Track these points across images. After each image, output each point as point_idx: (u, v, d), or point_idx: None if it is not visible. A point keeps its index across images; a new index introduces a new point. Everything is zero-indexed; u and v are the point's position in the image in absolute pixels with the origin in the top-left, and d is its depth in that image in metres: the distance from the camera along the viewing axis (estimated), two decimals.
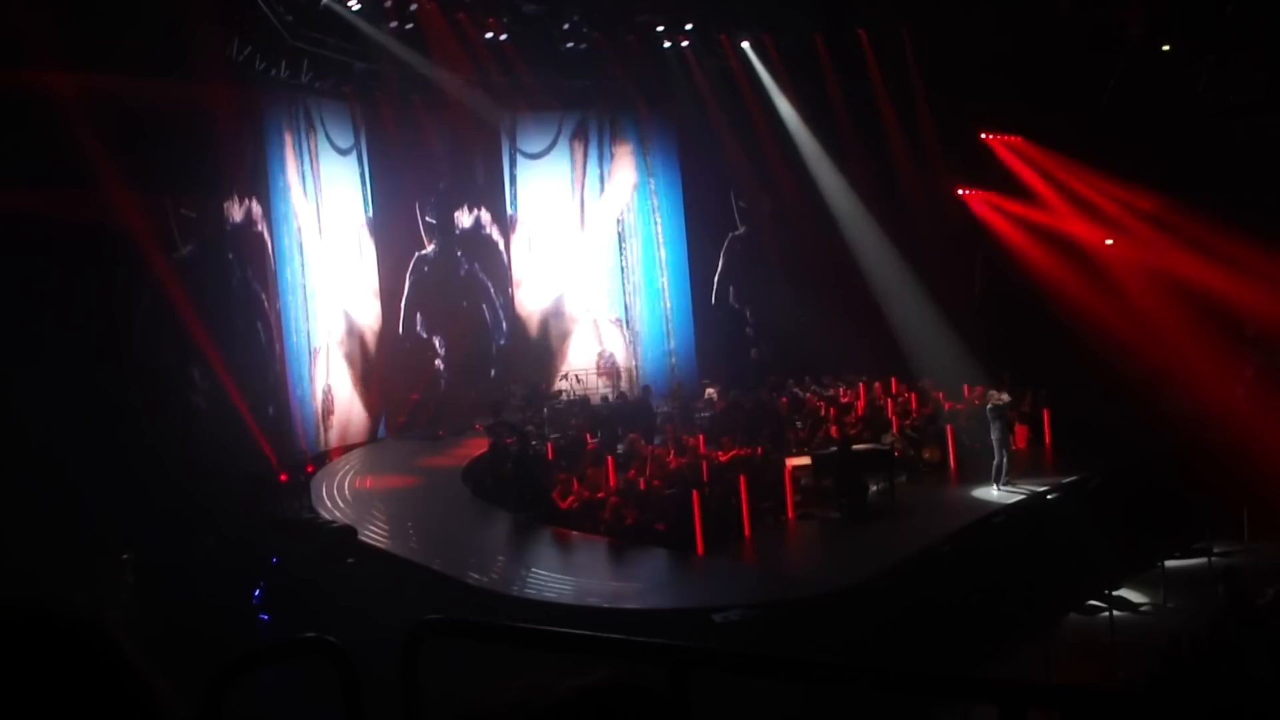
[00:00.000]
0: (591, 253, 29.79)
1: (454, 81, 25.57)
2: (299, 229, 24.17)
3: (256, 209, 22.65)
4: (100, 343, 18.12)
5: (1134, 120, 25.73)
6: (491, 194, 28.63)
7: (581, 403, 25.55)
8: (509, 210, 28.87)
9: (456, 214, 28.12)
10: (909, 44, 27.72)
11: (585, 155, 29.60)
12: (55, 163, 17.21)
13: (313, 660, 2.56)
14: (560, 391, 27.58)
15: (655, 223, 30.42)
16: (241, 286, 22.09)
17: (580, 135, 29.43)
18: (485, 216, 28.47)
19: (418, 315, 27.44)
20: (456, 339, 27.95)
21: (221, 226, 21.81)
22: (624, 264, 30.19)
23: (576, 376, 28.29)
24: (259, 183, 22.86)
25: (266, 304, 22.81)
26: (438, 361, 27.74)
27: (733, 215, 31.05)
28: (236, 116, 21.83)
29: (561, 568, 17.09)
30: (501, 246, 28.72)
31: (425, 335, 27.63)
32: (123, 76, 18.13)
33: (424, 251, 27.57)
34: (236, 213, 22.08)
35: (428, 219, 27.63)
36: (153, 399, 19.24)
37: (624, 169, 30.05)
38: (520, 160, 28.97)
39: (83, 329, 17.73)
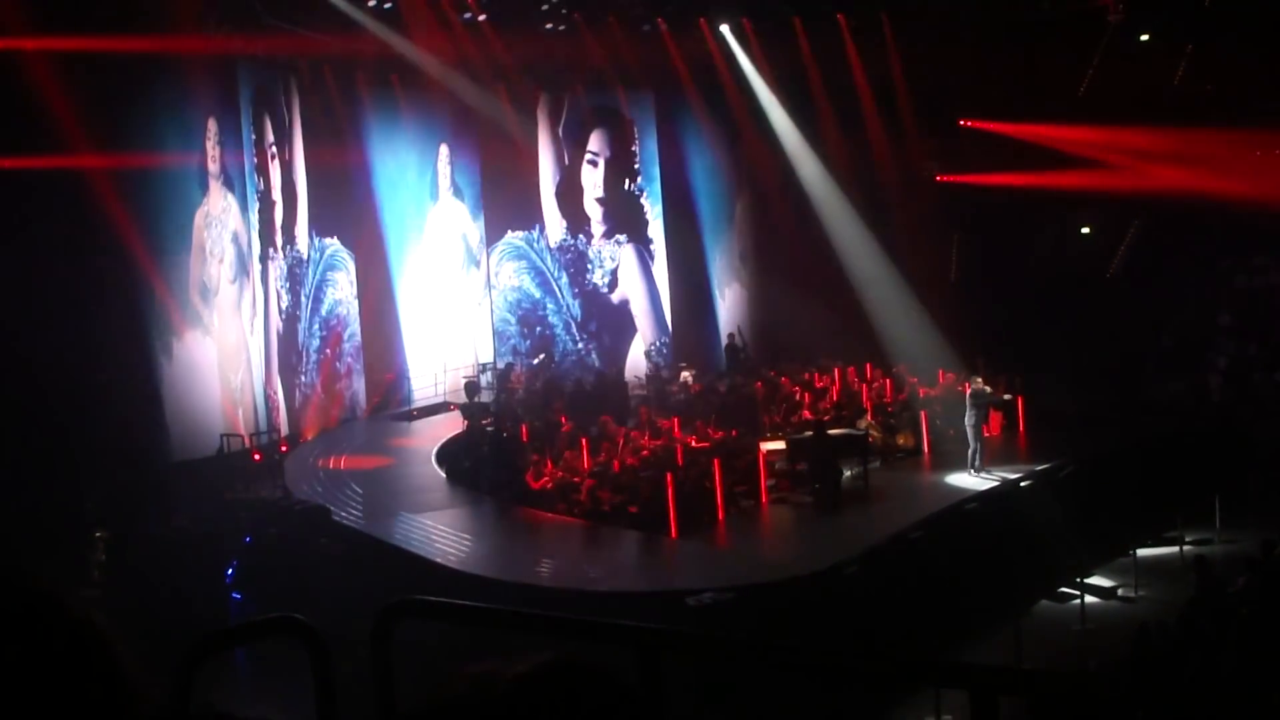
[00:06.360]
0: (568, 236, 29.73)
1: (432, 61, 25.41)
2: (274, 198, 23.94)
3: (233, 179, 22.48)
4: (69, 315, 17.93)
5: (1112, 109, 25.83)
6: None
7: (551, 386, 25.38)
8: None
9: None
10: (888, 29, 27.72)
11: (563, 138, 29.46)
12: (26, 125, 17.09)
13: (285, 639, 2.55)
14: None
15: (633, 206, 30.36)
16: (215, 258, 21.92)
17: (557, 117, 29.28)
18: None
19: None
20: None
21: (196, 197, 21.65)
22: (602, 247, 30.13)
23: (553, 358, 28.22)
24: (235, 150, 22.66)
25: (241, 275, 22.62)
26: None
27: (710, 199, 31.00)
28: (213, 85, 21.73)
29: (535, 550, 17.09)
30: (482, 231, 28.53)
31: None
32: (96, 40, 18.01)
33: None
34: (211, 181, 21.91)
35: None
36: (124, 374, 19.12)
37: (601, 153, 29.94)
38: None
39: (50, 299, 17.52)
